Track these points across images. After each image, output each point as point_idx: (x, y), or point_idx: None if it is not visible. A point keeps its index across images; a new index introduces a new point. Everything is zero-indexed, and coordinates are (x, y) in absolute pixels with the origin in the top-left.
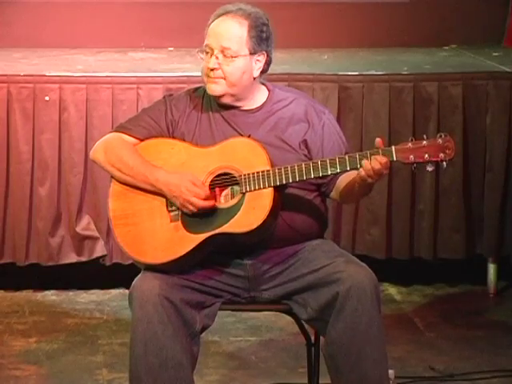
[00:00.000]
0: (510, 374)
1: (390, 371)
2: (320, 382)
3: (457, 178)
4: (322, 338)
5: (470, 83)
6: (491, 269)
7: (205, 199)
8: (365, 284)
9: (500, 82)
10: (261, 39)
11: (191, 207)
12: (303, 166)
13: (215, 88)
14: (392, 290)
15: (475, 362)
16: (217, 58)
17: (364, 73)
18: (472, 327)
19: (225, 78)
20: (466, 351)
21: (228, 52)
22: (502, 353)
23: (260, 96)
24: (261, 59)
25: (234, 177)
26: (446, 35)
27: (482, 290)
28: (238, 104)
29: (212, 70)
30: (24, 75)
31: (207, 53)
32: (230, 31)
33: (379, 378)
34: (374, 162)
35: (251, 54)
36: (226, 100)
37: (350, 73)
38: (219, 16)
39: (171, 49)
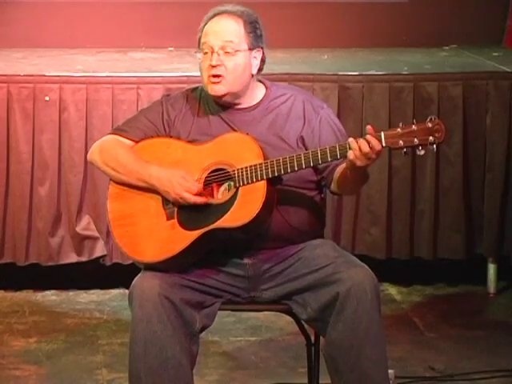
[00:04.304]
0: (509, 373)
1: (390, 371)
2: (320, 381)
3: (457, 178)
4: (321, 338)
5: (470, 83)
6: (491, 269)
7: (197, 194)
8: (365, 285)
9: (500, 82)
10: (257, 35)
11: (183, 202)
12: (295, 157)
13: (218, 88)
14: (392, 290)
15: (475, 362)
16: (218, 54)
17: (364, 73)
18: (472, 327)
19: (226, 76)
20: (466, 351)
21: (229, 47)
22: (502, 353)
23: (257, 93)
24: (257, 56)
25: (228, 172)
26: (445, 35)
27: (481, 290)
28: (236, 101)
29: (214, 66)
30: (24, 75)
31: (206, 53)
32: (229, 27)
33: (379, 379)
34: (362, 144)
35: (250, 49)
36: (227, 99)
37: (349, 73)
38: (212, 17)
39: (171, 49)
